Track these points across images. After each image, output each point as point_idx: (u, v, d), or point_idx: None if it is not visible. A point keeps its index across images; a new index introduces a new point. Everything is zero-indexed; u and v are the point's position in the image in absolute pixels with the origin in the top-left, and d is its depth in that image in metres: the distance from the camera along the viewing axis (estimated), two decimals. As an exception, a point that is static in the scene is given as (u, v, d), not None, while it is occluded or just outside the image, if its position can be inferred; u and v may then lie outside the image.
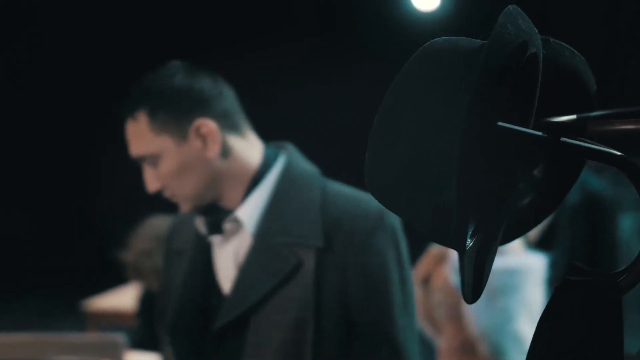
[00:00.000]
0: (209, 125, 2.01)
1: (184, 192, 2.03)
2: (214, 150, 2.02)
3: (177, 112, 1.98)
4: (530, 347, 1.08)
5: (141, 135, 1.98)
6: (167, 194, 2.04)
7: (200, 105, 2.02)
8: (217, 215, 2.10)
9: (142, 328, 3.40)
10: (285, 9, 5.84)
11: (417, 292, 3.41)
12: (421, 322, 3.39)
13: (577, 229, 3.46)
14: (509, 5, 1.00)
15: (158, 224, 3.29)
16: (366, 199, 2.09)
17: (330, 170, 6.50)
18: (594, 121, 1.06)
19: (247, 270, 2.04)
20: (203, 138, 2.01)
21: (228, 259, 2.11)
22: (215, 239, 2.12)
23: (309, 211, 2.06)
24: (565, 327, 1.05)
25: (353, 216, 2.04)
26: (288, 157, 2.15)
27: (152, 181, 2.03)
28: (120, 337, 2.79)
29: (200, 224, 2.14)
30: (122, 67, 5.43)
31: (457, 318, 3.25)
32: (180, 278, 2.19)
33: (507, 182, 1.05)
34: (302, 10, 5.89)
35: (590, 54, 1.17)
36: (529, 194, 1.14)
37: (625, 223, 4.65)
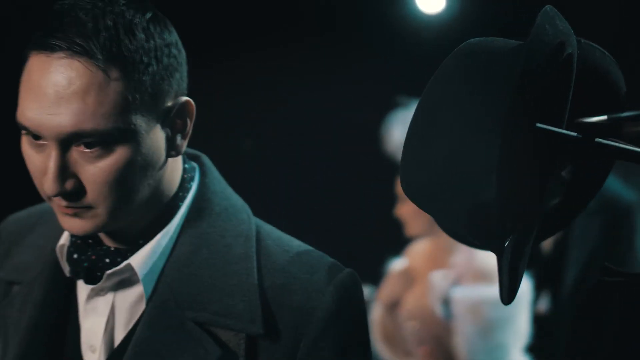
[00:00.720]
0: (192, 105, 1.41)
1: (116, 201, 1.29)
2: (184, 145, 1.40)
3: (163, 79, 1.33)
4: (567, 347, 1.08)
5: (104, 100, 1.25)
6: (85, 201, 1.30)
7: (181, 73, 1.40)
8: (93, 252, 1.38)
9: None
10: (287, 9, 5.84)
11: (378, 312, 3.28)
12: (379, 344, 3.21)
13: (592, 234, 3.41)
14: (546, 6, 1.00)
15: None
16: (321, 259, 1.40)
17: (331, 170, 6.49)
18: (629, 122, 1.07)
19: (138, 355, 1.31)
20: (178, 124, 1.38)
21: (98, 321, 1.39)
22: (82, 285, 1.43)
23: (239, 274, 1.35)
24: (602, 327, 1.05)
25: (308, 287, 1.34)
26: (204, 179, 1.45)
27: (67, 175, 1.29)
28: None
29: (62, 256, 1.40)
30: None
31: (436, 349, 3.05)
32: (17, 331, 1.41)
33: (540, 183, 1.05)
34: (303, 10, 5.90)
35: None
36: (557, 195, 1.14)
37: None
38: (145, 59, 1.28)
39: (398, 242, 3.58)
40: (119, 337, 1.38)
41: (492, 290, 2.75)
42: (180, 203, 1.39)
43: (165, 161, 1.36)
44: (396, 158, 3.16)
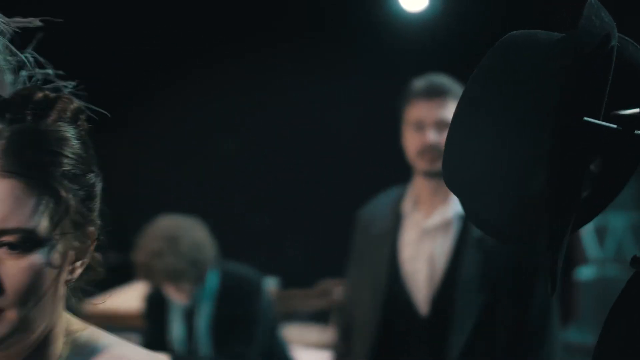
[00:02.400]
0: None
1: None
2: None
3: None
4: (600, 341, 1.08)
5: None
6: None
7: None
8: None
9: (151, 329, 3.37)
10: (274, 10, 5.83)
11: None
12: None
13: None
14: None
15: (167, 223, 3.25)
16: None
17: (319, 169, 6.41)
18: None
19: None
20: None
21: None
22: None
23: None
24: (636, 324, 1.05)
25: None
26: None
27: None
28: (132, 338, 2.77)
29: None
30: (118, 67, 5.40)
31: None
32: None
33: (579, 176, 1.05)
34: (289, 10, 5.89)
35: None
36: (588, 187, 1.14)
37: (618, 221, 4.70)
38: None
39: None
40: None
41: None
42: None
43: None
44: None
